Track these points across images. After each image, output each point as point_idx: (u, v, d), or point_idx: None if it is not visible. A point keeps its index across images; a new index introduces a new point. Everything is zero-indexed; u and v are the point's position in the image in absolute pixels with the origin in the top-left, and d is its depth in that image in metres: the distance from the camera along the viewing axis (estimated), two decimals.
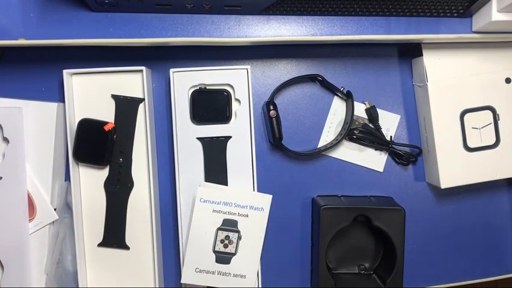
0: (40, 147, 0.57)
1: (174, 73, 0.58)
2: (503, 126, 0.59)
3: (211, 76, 0.58)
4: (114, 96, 0.58)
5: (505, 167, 0.60)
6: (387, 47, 0.63)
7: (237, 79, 0.58)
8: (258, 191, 0.59)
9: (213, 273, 0.57)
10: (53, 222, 0.58)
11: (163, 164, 0.61)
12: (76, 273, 0.58)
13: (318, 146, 0.62)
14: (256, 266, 0.58)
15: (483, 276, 0.65)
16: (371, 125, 0.63)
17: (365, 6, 0.52)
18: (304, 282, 0.63)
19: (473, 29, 0.54)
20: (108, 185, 0.59)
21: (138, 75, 0.58)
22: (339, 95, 0.62)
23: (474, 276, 0.65)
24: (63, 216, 0.59)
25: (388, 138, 0.62)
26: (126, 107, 0.58)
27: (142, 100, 0.58)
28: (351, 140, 0.62)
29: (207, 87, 0.58)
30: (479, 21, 0.53)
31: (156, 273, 0.58)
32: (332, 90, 0.62)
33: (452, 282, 0.65)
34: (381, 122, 0.62)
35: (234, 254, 0.57)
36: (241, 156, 0.58)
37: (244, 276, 0.57)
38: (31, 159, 0.57)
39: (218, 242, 0.57)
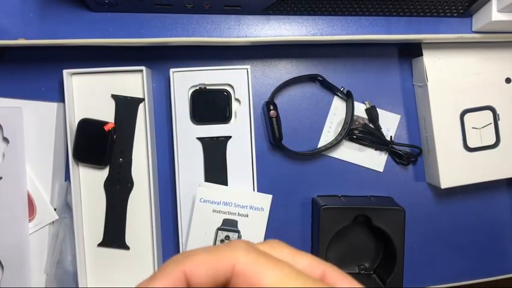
0: (40, 147, 0.57)
1: (174, 73, 0.58)
2: (503, 126, 0.59)
3: (211, 76, 0.58)
4: (114, 96, 0.58)
5: (505, 167, 0.60)
6: (387, 47, 0.63)
7: (237, 79, 0.58)
8: (258, 191, 0.59)
9: None
10: (53, 222, 0.58)
11: (163, 164, 0.61)
12: (76, 273, 0.58)
13: (318, 146, 0.62)
14: None
15: (483, 276, 0.65)
16: (371, 125, 0.63)
17: (365, 6, 0.52)
18: None
19: (473, 29, 0.54)
20: (108, 185, 0.59)
21: (138, 75, 0.58)
22: (339, 95, 0.62)
23: (474, 276, 0.65)
24: (63, 216, 0.59)
25: (388, 138, 0.62)
26: (126, 107, 0.58)
27: (142, 100, 0.58)
28: (351, 140, 0.62)
29: (207, 87, 0.58)
30: (479, 21, 0.53)
31: None
32: (332, 90, 0.62)
33: (452, 282, 0.65)
34: (381, 122, 0.62)
35: None
36: (241, 156, 0.58)
37: None
38: (31, 159, 0.57)
39: (218, 242, 0.57)
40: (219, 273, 0.19)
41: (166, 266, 0.19)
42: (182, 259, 0.19)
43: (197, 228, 0.57)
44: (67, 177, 0.61)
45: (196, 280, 0.19)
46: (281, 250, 0.21)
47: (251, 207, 0.57)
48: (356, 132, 0.61)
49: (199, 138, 0.58)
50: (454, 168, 0.59)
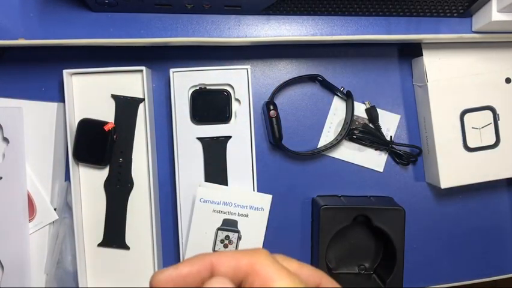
0: (40, 147, 0.57)
1: (174, 73, 0.58)
2: (503, 126, 0.59)
3: (211, 76, 0.58)
4: (114, 96, 0.58)
5: (505, 167, 0.60)
6: (387, 47, 0.63)
7: (237, 79, 0.58)
8: (258, 191, 0.59)
9: None
10: (53, 222, 0.58)
11: (163, 164, 0.61)
12: (76, 273, 0.58)
13: (318, 146, 0.62)
14: None
15: (483, 276, 0.65)
16: (371, 125, 0.63)
17: (365, 6, 0.52)
18: None
19: (473, 29, 0.54)
20: (108, 185, 0.59)
21: (138, 75, 0.58)
22: (339, 95, 0.62)
23: (474, 276, 0.65)
24: (63, 216, 0.59)
25: (388, 138, 0.62)
26: (126, 107, 0.58)
27: (142, 100, 0.58)
28: (351, 140, 0.62)
29: (207, 87, 0.58)
30: (479, 21, 0.53)
31: None
32: (332, 90, 0.62)
33: (452, 282, 0.65)
34: (381, 122, 0.62)
35: None
36: (241, 156, 0.58)
37: None
38: (31, 159, 0.57)
39: (218, 242, 0.57)
40: (241, 267, 0.22)
41: (195, 256, 0.22)
42: (210, 253, 0.22)
43: (197, 228, 0.57)
44: (67, 177, 0.61)
45: (221, 269, 0.22)
46: (289, 263, 0.25)
47: (251, 207, 0.57)
48: (356, 132, 0.61)
49: (199, 138, 0.58)
50: (454, 168, 0.59)
